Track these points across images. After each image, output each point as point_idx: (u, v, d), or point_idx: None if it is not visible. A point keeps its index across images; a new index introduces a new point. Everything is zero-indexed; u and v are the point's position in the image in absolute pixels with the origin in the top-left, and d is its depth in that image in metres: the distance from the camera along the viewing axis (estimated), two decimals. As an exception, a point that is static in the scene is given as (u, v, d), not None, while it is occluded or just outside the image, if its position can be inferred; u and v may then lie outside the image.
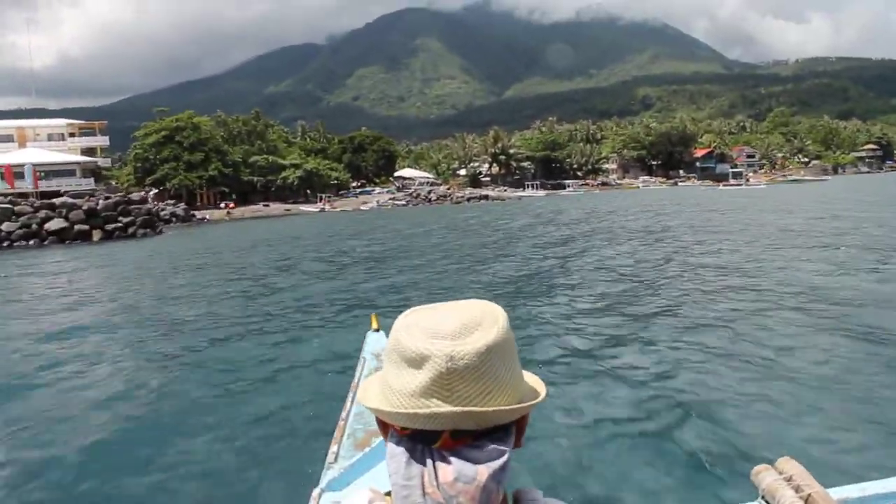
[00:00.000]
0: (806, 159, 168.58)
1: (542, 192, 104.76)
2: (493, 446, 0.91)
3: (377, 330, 3.52)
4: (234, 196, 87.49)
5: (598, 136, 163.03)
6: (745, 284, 13.85)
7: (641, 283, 15.17)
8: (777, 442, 5.76)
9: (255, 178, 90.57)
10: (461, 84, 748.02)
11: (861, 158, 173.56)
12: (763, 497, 1.69)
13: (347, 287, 16.89)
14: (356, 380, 2.98)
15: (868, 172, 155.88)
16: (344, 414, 2.53)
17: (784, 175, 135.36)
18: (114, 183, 78.49)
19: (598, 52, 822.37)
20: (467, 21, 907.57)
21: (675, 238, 25.91)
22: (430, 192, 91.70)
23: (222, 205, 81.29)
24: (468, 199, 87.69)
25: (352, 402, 2.72)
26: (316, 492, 2.23)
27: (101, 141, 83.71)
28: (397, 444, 0.94)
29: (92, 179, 72.91)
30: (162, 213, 64.51)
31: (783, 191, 79.09)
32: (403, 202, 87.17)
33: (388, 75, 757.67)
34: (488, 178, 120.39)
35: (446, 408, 0.88)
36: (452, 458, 0.90)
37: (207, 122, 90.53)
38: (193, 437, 6.75)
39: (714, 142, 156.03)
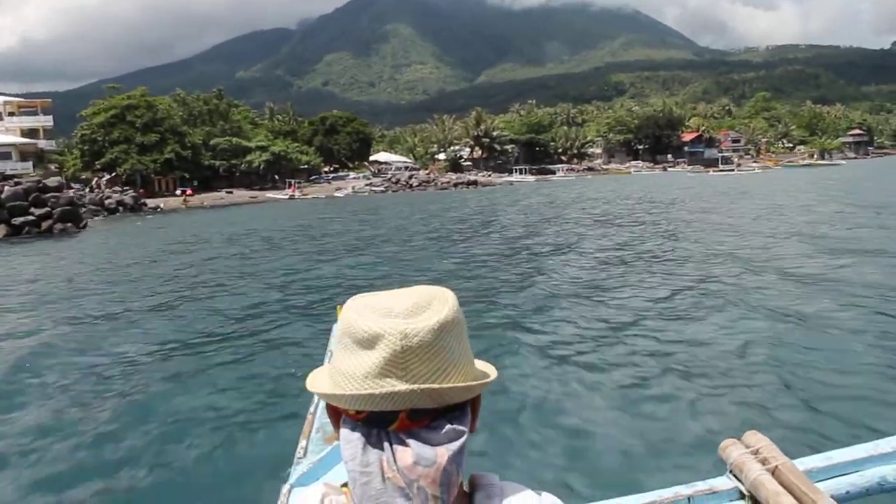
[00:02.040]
0: (790, 144, 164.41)
1: (531, 178, 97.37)
2: (450, 426, 0.90)
3: None
4: (195, 182, 79.46)
5: (580, 119, 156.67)
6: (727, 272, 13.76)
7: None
8: (744, 416, 5.96)
9: (218, 163, 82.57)
10: (432, 70, 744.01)
11: (847, 144, 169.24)
12: (731, 471, 1.72)
13: (314, 283, 15.91)
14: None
15: (855, 158, 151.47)
16: (312, 408, 2.45)
17: (793, 160, 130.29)
18: (53, 167, 69.82)
19: (570, 38, 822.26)
20: (438, 6, 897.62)
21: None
22: (410, 178, 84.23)
23: (178, 192, 73.01)
24: (454, 185, 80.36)
25: (319, 398, 2.44)
26: (285, 487, 2.22)
27: (45, 121, 74.91)
28: (352, 429, 0.92)
29: (30, 163, 64.63)
30: (107, 202, 56.57)
31: (802, 176, 73.08)
32: (381, 188, 79.96)
33: (358, 60, 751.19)
34: (469, 163, 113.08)
35: (403, 386, 0.87)
36: (410, 441, 0.88)
37: (164, 101, 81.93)
38: (164, 436, 6.63)
39: (702, 125, 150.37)
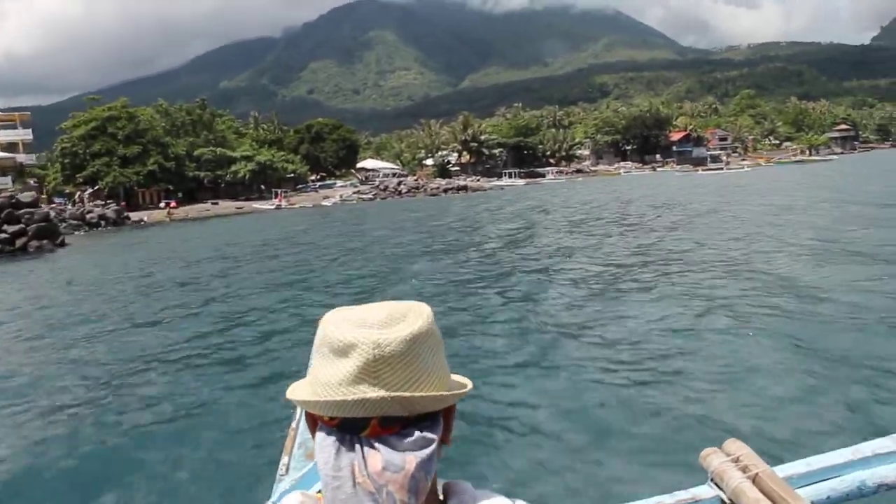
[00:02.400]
0: (777, 141, 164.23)
1: (521, 182, 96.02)
2: (420, 434, 0.92)
3: None
4: (179, 194, 77.89)
5: (566, 121, 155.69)
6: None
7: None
8: (725, 424, 5.97)
9: (202, 174, 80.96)
10: (416, 75, 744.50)
11: (834, 139, 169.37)
12: (712, 479, 1.73)
13: (297, 297, 15.48)
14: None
15: (842, 152, 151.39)
16: (294, 424, 2.38)
17: (785, 156, 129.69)
18: (32, 182, 68.14)
19: (552, 40, 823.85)
20: (420, 12, 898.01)
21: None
22: (399, 184, 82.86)
23: (162, 204, 71.40)
24: (444, 191, 78.92)
25: (301, 411, 2.43)
26: None
27: (24, 135, 73.26)
28: (327, 434, 0.94)
29: (9, 178, 62.94)
30: (89, 217, 55.06)
31: (799, 174, 72.34)
32: (370, 195, 78.51)
33: (342, 68, 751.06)
34: (458, 168, 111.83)
35: (375, 393, 0.90)
36: (380, 447, 0.90)
37: (146, 112, 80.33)
38: (146, 454, 6.60)
39: (690, 124, 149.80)
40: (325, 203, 73.14)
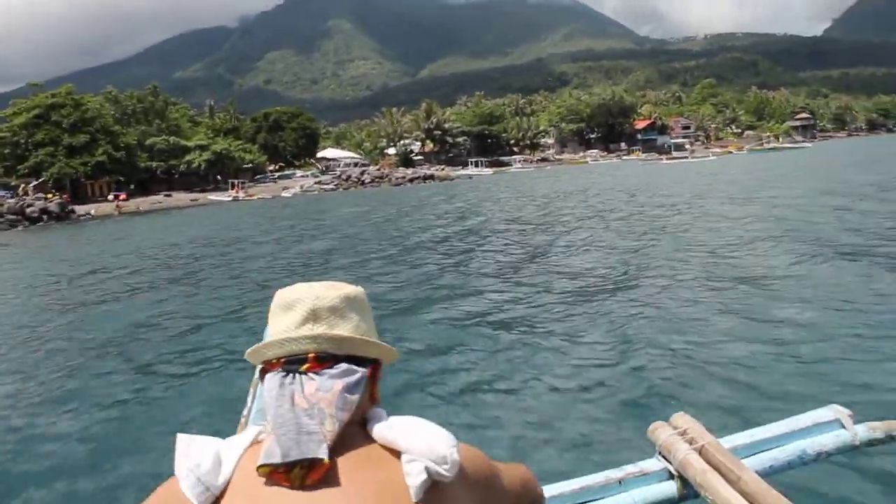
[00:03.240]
0: (739, 129, 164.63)
1: (489, 171, 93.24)
2: (347, 366, 1.12)
3: None
4: (131, 185, 74.03)
5: (529, 110, 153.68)
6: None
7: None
8: (672, 399, 6.02)
9: (155, 164, 76.95)
10: (375, 65, 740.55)
11: (795, 128, 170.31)
12: (660, 452, 1.78)
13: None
14: (256, 375, 2.52)
15: (803, 141, 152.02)
16: (245, 411, 2.28)
17: (759, 144, 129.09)
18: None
19: (511, 30, 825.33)
20: (378, 2, 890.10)
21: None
22: (362, 174, 79.84)
23: (110, 197, 67.42)
24: (410, 180, 75.94)
25: (252, 398, 2.45)
26: None
27: (-41, 126, 68.73)
28: (273, 375, 1.14)
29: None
30: (29, 211, 51.40)
31: (778, 161, 71.28)
32: (332, 186, 75.47)
33: (300, 58, 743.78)
34: (421, 157, 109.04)
35: (313, 331, 1.13)
36: (315, 377, 1.10)
37: (93, 100, 75.98)
38: (87, 448, 6.31)
39: (654, 112, 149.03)
40: (284, 194, 69.89)
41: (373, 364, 1.19)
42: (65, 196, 60.93)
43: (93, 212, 57.84)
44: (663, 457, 1.77)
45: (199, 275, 17.65)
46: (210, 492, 1.01)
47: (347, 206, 41.80)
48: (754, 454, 1.79)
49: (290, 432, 1.03)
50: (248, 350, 1.20)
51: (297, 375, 1.11)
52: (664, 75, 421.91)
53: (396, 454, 1.05)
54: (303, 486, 1.01)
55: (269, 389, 1.11)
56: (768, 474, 1.71)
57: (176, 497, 1.02)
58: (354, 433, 1.09)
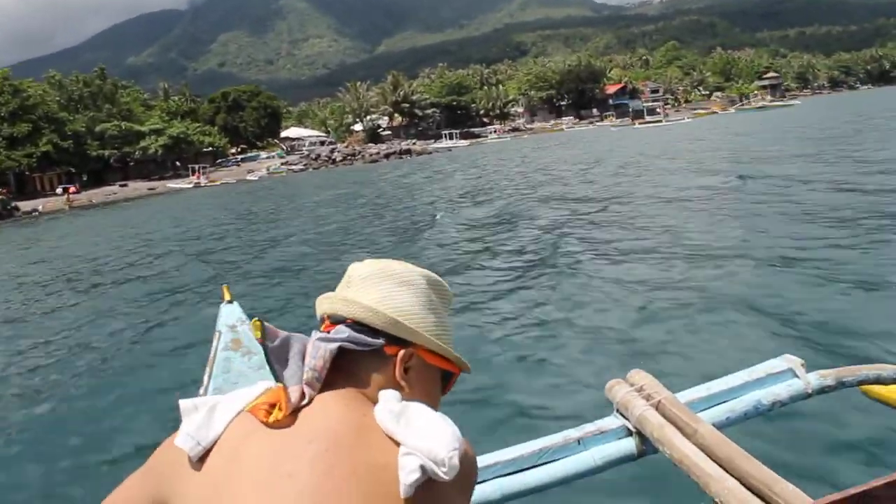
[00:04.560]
0: (707, 91, 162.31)
1: (464, 142, 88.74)
2: (348, 330, 1.09)
3: (230, 301, 3.18)
4: (83, 176, 68.64)
5: (493, 80, 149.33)
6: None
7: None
8: (628, 357, 5.95)
9: (107, 152, 71.48)
10: (331, 42, 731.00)
11: (763, 87, 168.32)
12: (618, 410, 1.80)
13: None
14: (212, 354, 2.79)
15: (790, 99, 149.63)
16: (202, 391, 2.40)
17: (747, 103, 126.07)
18: None
19: (467, 2, 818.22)
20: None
21: None
22: (332, 152, 75.13)
23: (59, 190, 61.89)
24: (386, 156, 71.22)
25: (209, 377, 2.55)
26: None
27: None
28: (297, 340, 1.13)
29: None
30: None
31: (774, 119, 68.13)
32: (301, 166, 70.81)
33: (253, 38, 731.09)
34: (389, 132, 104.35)
35: (337, 294, 1.15)
36: (321, 336, 1.09)
37: (34, 85, 69.98)
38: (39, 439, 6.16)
39: (625, 76, 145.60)
40: (249, 177, 65.20)
41: (399, 343, 1.12)
42: (4, 190, 55.32)
43: (40, 208, 52.74)
44: (621, 414, 1.77)
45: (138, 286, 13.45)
46: (200, 445, 1.02)
47: (327, 189, 37.19)
48: (711, 407, 1.81)
49: (294, 380, 1.06)
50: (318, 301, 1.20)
51: (311, 336, 1.12)
52: (623, 41, 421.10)
53: (396, 442, 1.02)
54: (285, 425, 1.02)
55: (292, 344, 1.12)
56: (725, 426, 1.74)
57: (171, 448, 1.05)
58: (361, 407, 1.06)
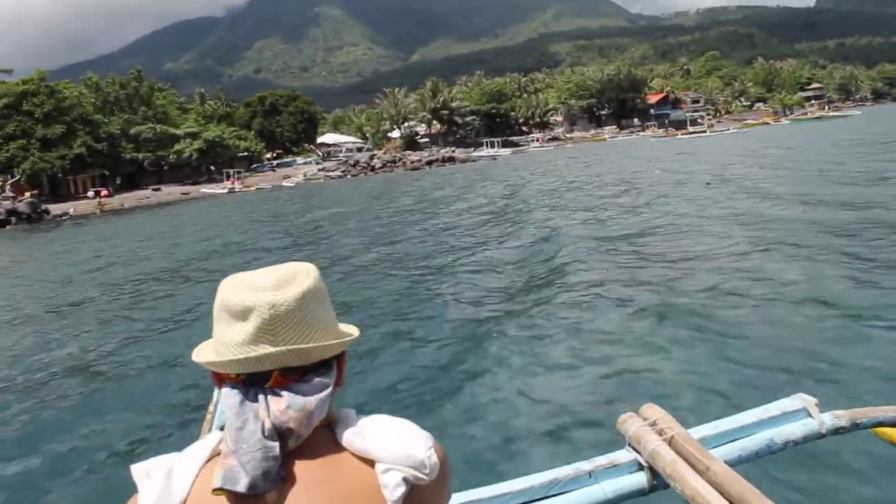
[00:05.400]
0: (748, 102, 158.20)
1: (507, 151, 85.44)
2: (318, 380, 1.04)
3: None
4: (117, 179, 67.10)
5: (531, 88, 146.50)
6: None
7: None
8: (641, 391, 5.82)
9: (142, 155, 69.97)
10: (365, 51, 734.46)
11: (807, 98, 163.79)
12: (630, 444, 1.79)
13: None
14: (215, 395, 2.57)
15: (850, 109, 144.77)
16: (211, 407, 2.33)
17: (803, 114, 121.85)
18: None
19: (500, 11, 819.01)
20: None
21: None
22: (372, 158, 72.77)
23: (90, 193, 60.20)
24: (428, 163, 68.90)
25: (218, 393, 2.52)
26: None
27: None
28: (232, 388, 1.03)
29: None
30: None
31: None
32: (339, 173, 68.71)
33: (289, 45, 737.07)
34: (427, 140, 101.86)
35: (274, 349, 1.01)
36: (284, 393, 1.00)
37: (70, 87, 68.53)
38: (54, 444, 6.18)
39: (667, 86, 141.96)
40: (286, 184, 63.11)
41: (338, 358, 1.13)
42: (33, 192, 53.56)
43: (71, 211, 51.04)
44: (633, 448, 1.76)
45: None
46: None
47: (390, 200, 33.63)
48: (723, 444, 1.80)
49: (256, 459, 0.96)
50: (196, 353, 1.11)
51: (260, 392, 1.02)
52: (659, 51, 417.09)
53: (370, 462, 1.01)
54: None
55: (229, 406, 1.02)
56: (737, 463, 1.74)
57: None
58: (321, 438, 1.04)
